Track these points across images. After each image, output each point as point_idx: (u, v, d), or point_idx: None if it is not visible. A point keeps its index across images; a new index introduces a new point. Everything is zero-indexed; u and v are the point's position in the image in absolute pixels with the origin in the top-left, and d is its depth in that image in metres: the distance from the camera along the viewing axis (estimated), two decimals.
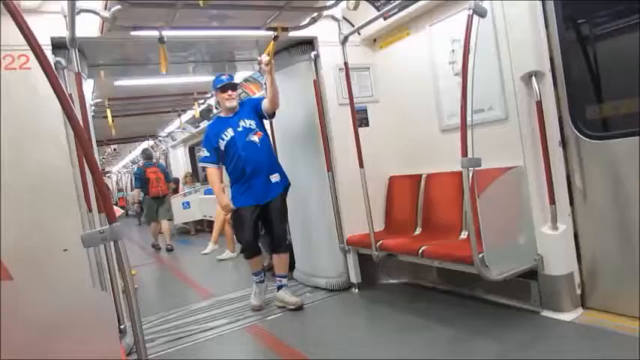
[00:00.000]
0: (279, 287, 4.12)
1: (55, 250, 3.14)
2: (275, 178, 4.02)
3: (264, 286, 4.23)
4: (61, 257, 3.14)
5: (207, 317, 4.14)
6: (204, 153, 4.14)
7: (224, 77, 4.11)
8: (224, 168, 4.23)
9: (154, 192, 8.80)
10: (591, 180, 2.96)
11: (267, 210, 4.01)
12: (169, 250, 8.72)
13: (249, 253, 4.15)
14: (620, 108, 2.85)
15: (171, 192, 11.19)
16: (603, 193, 2.91)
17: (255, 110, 4.06)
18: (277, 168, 4.11)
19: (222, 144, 3.99)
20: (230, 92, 4.05)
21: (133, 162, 19.18)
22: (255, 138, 3.98)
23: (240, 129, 3.97)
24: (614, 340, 2.63)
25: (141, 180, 8.95)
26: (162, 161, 14.32)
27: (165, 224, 8.97)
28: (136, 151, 16.52)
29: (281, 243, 4.15)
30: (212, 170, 4.13)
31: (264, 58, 3.76)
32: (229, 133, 3.97)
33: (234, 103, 4.06)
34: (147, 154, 9.85)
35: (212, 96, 8.19)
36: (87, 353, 2.04)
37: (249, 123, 4.00)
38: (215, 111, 8.90)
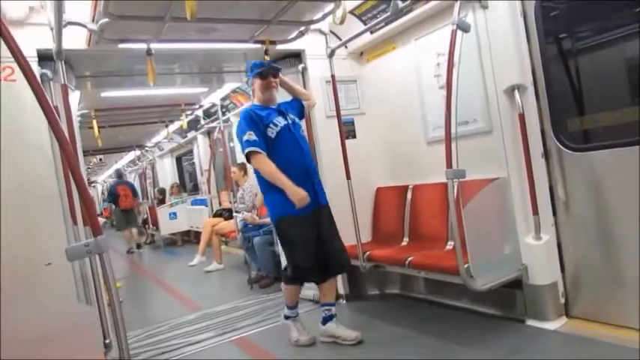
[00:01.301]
0: (328, 319, 3.45)
1: (39, 264, 3.10)
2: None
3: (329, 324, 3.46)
4: (46, 271, 3.11)
5: (194, 330, 4.10)
6: (250, 137, 3.16)
7: (264, 62, 3.46)
8: None
9: (123, 205, 10.48)
10: (573, 191, 3.01)
11: (320, 215, 3.34)
12: (138, 247, 10.64)
13: (309, 275, 3.38)
14: (600, 120, 2.92)
15: (157, 203, 11.25)
16: (585, 204, 2.96)
17: (298, 110, 3.57)
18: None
19: (273, 131, 3.22)
20: (271, 79, 3.35)
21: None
22: (305, 135, 3.51)
23: (290, 121, 3.34)
24: (598, 348, 2.67)
25: (112, 195, 10.69)
26: (149, 170, 14.33)
27: (133, 231, 10.65)
28: (123, 160, 16.46)
29: (345, 259, 3.47)
30: (265, 157, 3.15)
31: None
32: (281, 120, 3.28)
33: (275, 93, 3.39)
34: (118, 174, 12.08)
35: (199, 107, 8.20)
36: None
37: (297, 119, 3.46)
38: (202, 122, 8.91)
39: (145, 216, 12.31)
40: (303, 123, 3.64)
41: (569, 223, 3.06)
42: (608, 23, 2.89)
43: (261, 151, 3.15)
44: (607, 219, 2.86)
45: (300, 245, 3.25)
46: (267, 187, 3.27)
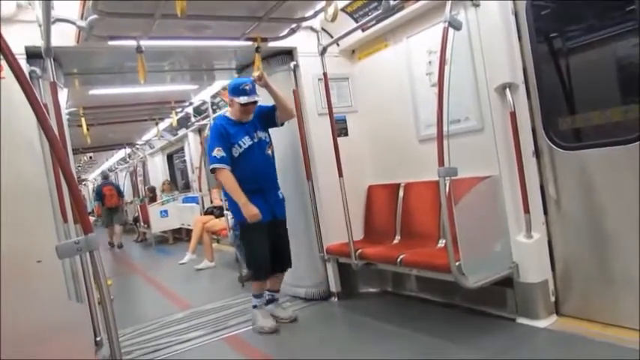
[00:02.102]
0: (271, 301, 3.96)
1: (29, 262, 3.07)
2: (281, 193, 3.90)
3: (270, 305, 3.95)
4: (37, 268, 3.08)
5: (185, 328, 4.09)
6: (218, 153, 3.56)
7: (247, 87, 3.61)
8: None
9: (108, 204, 11.47)
10: (564, 189, 3.04)
11: (276, 226, 3.80)
12: (120, 247, 11.27)
13: (265, 273, 3.79)
14: (590, 119, 2.94)
15: (148, 200, 11.22)
16: (576, 202, 2.98)
17: (267, 120, 3.84)
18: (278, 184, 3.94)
19: (237, 151, 3.64)
20: (250, 107, 3.70)
21: (110, 170, 19.00)
22: (270, 152, 3.82)
23: (256, 140, 3.72)
24: (588, 345, 2.69)
25: (99, 195, 11.81)
26: (140, 168, 14.34)
27: (117, 228, 11.50)
28: (113, 158, 16.36)
29: (290, 259, 3.93)
30: (229, 173, 3.56)
31: (256, 74, 3.67)
32: (247, 141, 3.67)
33: (250, 118, 3.75)
34: (104, 175, 13.71)
35: (189, 105, 8.16)
36: None
37: (264, 135, 3.80)
38: (193, 119, 8.86)
39: (136, 214, 12.25)
40: (293, 128, 3.86)
41: (559, 222, 3.09)
42: (598, 22, 2.91)
43: (226, 167, 3.57)
44: (598, 217, 2.88)
45: (258, 248, 3.71)
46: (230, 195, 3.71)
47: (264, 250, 3.69)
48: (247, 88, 3.61)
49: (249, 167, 3.64)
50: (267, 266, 3.74)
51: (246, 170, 3.62)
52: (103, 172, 14.18)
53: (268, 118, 3.84)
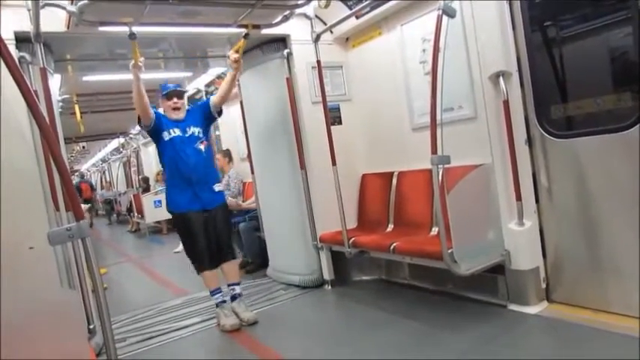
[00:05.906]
0: (233, 298, 3.82)
1: (21, 249, 3.05)
2: (218, 187, 3.88)
3: (229, 304, 3.80)
4: (28, 255, 3.06)
5: (179, 316, 4.10)
6: None
7: (170, 85, 3.86)
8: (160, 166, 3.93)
9: (84, 196, 14.93)
10: (556, 177, 3.05)
11: (212, 217, 3.76)
12: (90, 226, 14.53)
13: (204, 264, 3.78)
14: (582, 108, 2.94)
15: (142, 191, 11.22)
16: (567, 190, 3.00)
17: (203, 115, 3.87)
18: (218, 179, 4.00)
19: (166, 136, 3.69)
20: (176, 100, 3.76)
21: (103, 160, 18.95)
22: (202, 147, 3.78)
23: (187, 134, 3.73)
24: (577, 332, 2.73)
25: (77, 189, 12.71)
26: (133, 158, 14.37)
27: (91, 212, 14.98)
28: (107, 148, 16.31)
29: (230, 251, 3.91)
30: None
31: (233, 55, 3.65)
32: (176, 131, 3.70)
33: (180, 115, 3.77)
34: (81, 175, 19.39)
35: (184, 92, 8.09)
36: (55, 353, 2.01)
37: (197, 131, 3.77)
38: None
39: (129, 205, 12.23)
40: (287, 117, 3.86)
41: (551, 210, 3.10)
42: (592, 11, 2.90)
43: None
44: (589, 205, 2.90)
45: (189, 237, 3.78)
46: (167, 183, 3.91)
47: (198, 242, 3.72)
48: (170, 84, 3.84)
49: (179, 161, 3.67)
50: (205, 258, 3.76)
51: (177, 163, 3.68)
52: (80, 173, 20.47)
53: (204, 110, 3.89)
